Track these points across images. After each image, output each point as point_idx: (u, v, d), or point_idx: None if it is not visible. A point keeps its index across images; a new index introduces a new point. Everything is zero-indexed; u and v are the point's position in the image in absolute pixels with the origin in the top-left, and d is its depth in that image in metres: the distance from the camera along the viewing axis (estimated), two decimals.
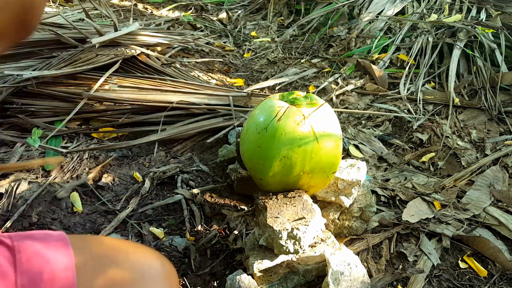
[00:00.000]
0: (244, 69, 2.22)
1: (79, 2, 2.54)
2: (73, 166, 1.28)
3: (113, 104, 1.50)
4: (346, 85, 1.96)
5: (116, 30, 1.78)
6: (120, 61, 1.65)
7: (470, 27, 2.02)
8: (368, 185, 1.07)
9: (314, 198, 1.03)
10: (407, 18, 2.35)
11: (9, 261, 0.46)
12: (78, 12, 2.39)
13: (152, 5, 3.16)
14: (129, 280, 0.53)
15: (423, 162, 1.45)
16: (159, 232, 1.05)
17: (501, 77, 1.79)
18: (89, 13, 2.24)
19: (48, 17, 1.93)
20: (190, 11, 3.06)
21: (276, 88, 1.97)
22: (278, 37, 2.66)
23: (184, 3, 3.18)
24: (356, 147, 1.51)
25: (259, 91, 1.88)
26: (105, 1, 2.93)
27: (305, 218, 0.84)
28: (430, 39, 2.06)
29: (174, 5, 3.14)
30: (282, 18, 2.97)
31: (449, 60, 1.93)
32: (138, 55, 1.77)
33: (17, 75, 1.42)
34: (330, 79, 2.03)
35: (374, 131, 1.63)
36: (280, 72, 2.17)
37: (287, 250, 0.83)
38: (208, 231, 1.07)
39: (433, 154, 1.48)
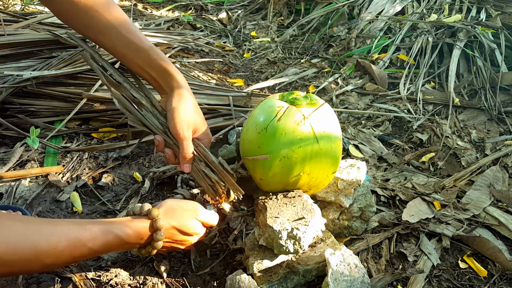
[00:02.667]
0: (244, 69, 2.22)
1: None
2: (73, 166, 1.28)
3: (113, 104, 1.49)
4: (346, 85, 1.96)
5: None
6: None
7: (470, 27, 2.02)
8: (368, 185, 1.07)
9: (314, 198, 1.03)
10: (407, 18, 2.35)
11: None
12: None
13: (152, 5, 3.15)
14: None
15: (423, 162, 1.45)
16: None
17: (501, 77, 1.79)
18: None
19: (48, 17, 1.93)
20: (190, 11, 3.06)
21: (276, 88, 1.97)
22: (278, 37, 2.66)
23: (184, 3, 3.18)
24: (356, 147, 1.51)
25: (259, 91, 1.88)
26: None
27: (305, 218, 0.84)
28: (430, 39, 2.07)
29: (174, 5, 3.14)
30: (282, 18, 2.97)
31: (449, 60, 1.93)
32: None
33: (17, 75, 1.42)
34: (330, 79, 2.03)
35: (374, 131, 1.63)
36: (280, 72, 2.17)
37: (287, 250, 0.83)
38: (208, 231, 1.07)
39: (433, 154, 1.48)
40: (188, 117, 0.88)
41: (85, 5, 0.82)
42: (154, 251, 0.76)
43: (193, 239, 0.87)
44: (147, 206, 0.75)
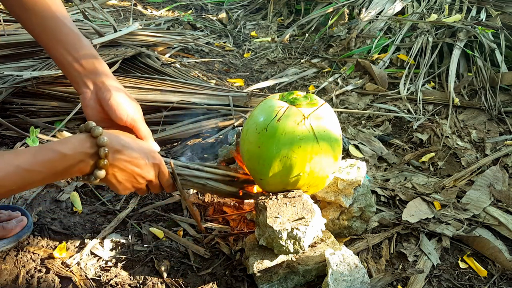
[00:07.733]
0: (244, 69, 2.22)
1: (76, 4, 2.53)
2: None
3: None
4: (346, 85, 1.96)
5: (115, 30, 1.78)
6: (120, 61, 1.65)
7: (470, 27, 2.02)
8: (368, 185, 1.07)
9: (314, 198, 1.03)
10: (407, 18, 2.35)
11: None
12: (76, 13, 2.39)
13: (152, 5, 3.16)
14: None
15: (423, 162, 1.45)
16: (159, 232, 1.05)
17: (501, 77, 1.79)
18: (89, 13, 2.24)
19: None
20: (190, 11, 3.06)
21: (276, 88, 1.97)
22: (278, 37, 2.66)
23: (184, 3, 3.18)
24: (356, 147, 1.51)
25: (259, 91, 1.88)
26: (102, 2, 2.93)
27: (305, 218, 0.84)
28: (430, 39, 2.06)
29: (174, 5, 3.14)
30: (282, 18, 2.97)
31: (449, 60, 1.93)
32: (138, 55, 1.77)
33: (17, 75, 1.42)
34: (330, 79, 2.03)
35: (374, 131, 1.63)
36: (280, 72, 2.17)
37: (287, 250, 0.83)
38: (208, 231, 1.07)
39: (433, 154, 1.48)
40: (132, 102, 0.83)
41: None
42: (98, 178, 0.68)
43: (145, 175, 0.76)
44: (91, 123, 0.67)
